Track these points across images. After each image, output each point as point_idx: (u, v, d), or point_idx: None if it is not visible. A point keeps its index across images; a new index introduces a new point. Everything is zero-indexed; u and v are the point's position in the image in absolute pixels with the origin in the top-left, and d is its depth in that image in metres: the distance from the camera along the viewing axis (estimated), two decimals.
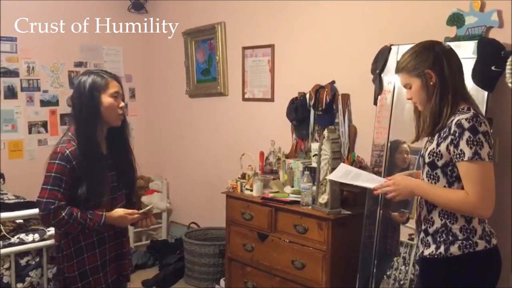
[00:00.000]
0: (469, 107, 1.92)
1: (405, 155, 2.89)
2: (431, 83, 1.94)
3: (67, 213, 2.11)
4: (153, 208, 2.36)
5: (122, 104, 2.24)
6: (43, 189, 2.13)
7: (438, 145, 1.92)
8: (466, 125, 1.83)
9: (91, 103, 2.18)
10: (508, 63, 2.46)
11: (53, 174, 2.12)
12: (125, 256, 2.39)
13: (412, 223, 2.76)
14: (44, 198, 2.11)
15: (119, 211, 2.25)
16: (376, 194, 2.20)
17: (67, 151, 2.14)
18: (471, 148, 1.81)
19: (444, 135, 1.90)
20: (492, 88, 2.58)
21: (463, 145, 1.82)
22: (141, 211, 2.30)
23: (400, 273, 2.84)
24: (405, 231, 2.84)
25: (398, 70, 2.04)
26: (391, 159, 2.96)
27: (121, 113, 2.25)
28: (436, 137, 1.94)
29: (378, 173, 2.88)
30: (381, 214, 2.94)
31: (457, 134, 1.84)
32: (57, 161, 2.13)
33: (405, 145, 2.89)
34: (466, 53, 2.55)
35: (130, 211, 2.27)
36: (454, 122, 1.86)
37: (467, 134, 1.82)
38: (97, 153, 2.22)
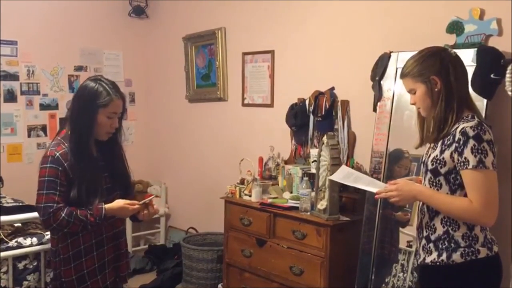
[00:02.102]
0: (473, 114, 1.92)
1: (404, 170, 2.88)
2: (436, 89, 1.93)
3: (66, 213, 2.11)
4: (154, 198, 2.33)
5: (115, 124, 2.23)
6: (39, 194, 2.13)
7: (441, 152, 1.91)
8: (471, 133, 1.83)
9: (87, 114, 2.17)
10: (508, 72, 2.45)
11: (46, 178, 2.13)
12: (122, 257, 2.39)
13: (410, 230, 2.77)
14: (42, 203, 2.12)
15: (119, 202, 2.23)
16: (378, 198, 2.19)
17: (57, 154, 2.15)
18: (475, 156, 1.81)
19: (448, 142, 1.90)
20: (491, 96, 2.59)
21: (467, 153, 1.82)
22: (142, 201, 2.27)
23: (398, 280, 2.83)
24: (404, 238, 2.84)
25: (403, 75, 2.02)
26: (390, 166, 2.96)
27: (110, 131, 2.24)
28: (439, 144, 1.94)
29: (377, 180, 2.88)
30: (380, 221, 2.93)
31: (461, 142, 1.84)
32: (48, 165, 2.14)
33: (405, 160, 2.87)
34: (466, 61, 2.51)
35: (130, 201, 2.25)
36: (458, 130, 1.86)
37: (471, 142, 1.82)
38: (89, 155, 2.22)
